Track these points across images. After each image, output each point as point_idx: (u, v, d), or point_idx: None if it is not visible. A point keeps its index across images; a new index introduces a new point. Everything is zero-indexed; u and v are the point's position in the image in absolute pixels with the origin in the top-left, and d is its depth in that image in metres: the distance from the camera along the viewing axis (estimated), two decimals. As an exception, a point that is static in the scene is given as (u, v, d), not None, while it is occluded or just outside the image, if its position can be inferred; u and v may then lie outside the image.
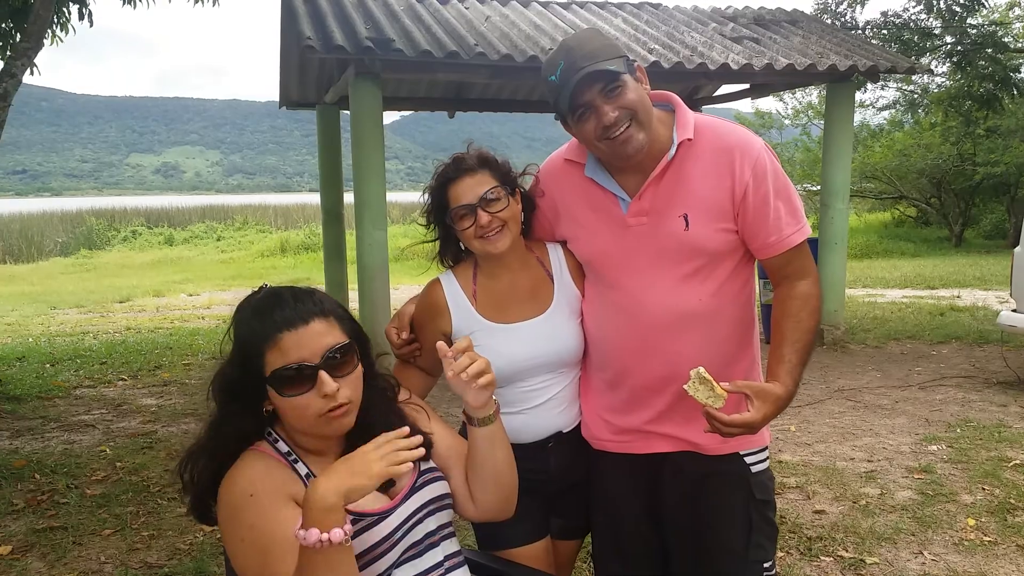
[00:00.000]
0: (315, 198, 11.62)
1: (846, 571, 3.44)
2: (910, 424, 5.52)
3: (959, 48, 11.04)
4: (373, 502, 1.57)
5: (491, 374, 1.63)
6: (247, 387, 1.53)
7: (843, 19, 11.37)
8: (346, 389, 1.53)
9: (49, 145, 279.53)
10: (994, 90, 11.01)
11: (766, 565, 2.01)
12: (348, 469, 1.37)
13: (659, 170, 1.88)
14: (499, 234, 1.94)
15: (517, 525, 2.01)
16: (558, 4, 8.59)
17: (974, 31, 11.26)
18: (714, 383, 1.73)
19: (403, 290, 10.52)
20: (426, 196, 2.03)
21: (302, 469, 1.55)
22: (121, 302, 12.97)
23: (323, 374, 1.49)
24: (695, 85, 9.86)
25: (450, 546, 1.68)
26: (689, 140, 1.88)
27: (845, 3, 11.45)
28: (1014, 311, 6.38)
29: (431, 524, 1.64)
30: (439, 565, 1.63)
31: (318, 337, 1.51)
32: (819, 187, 8.66)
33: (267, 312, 1.52)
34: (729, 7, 9.40)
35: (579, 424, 2.12)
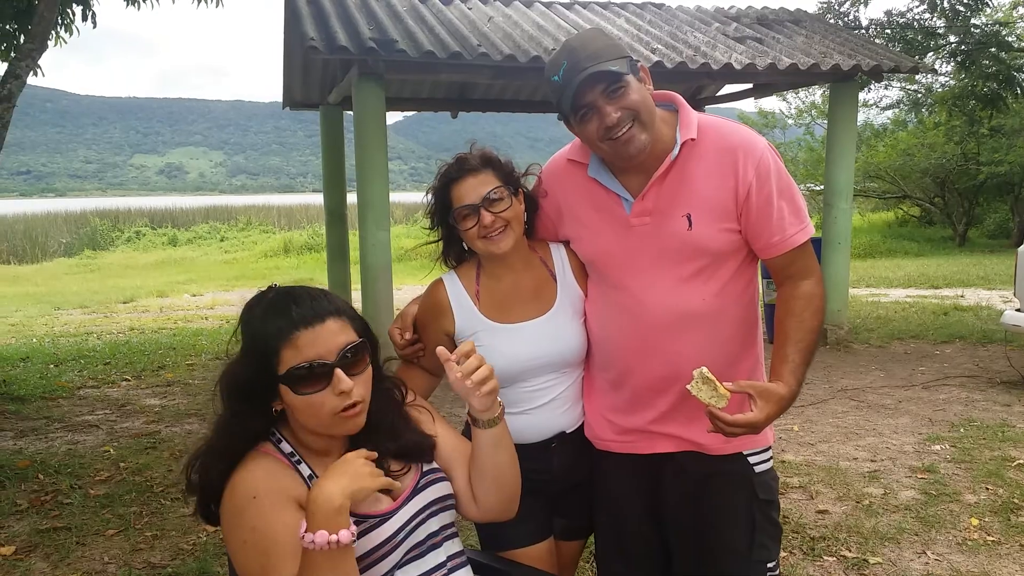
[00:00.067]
0: (318, 199, 11.63)
1: (849, 571, 3.43)
2: (913, 424, 5.51)
3: (963, 47, 11.02)
4: (376, 504, 1.57)
5: (495, 380, 1.63)
6: (259, 386, 1.53)
7: (846, 19, 11.34)
8: (359, 388, 1.54)
9: (53, 146, 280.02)
10: (998, 89, 10.99)
11: (770, 565, 2.01)
12: (351, 471, 1.39)
13: (662, 170, 1.88)
14: (502, 234, 1.94)
15: (520, 525, 2.01)
16: (561, 4, 8.59)
17: (978, 30, 11.23)
18: (717, 383, 1.73)
19: (406, 290, 10.53)
20: (429, 196, 2.04)
21: (305, 470, 1.55)
22: (125, 303, 12.99)
23: (339, 372, 1.50)
24: (698, 85, 9.85)
25: (453, 546, 1.68)
26: (692, 140, 1.88)
27: (848, 2, 11.42)
28: (1018, 310, 6.37)
29: (433, 525, 1.64)
30: (442, 565, 1.63)
31: (333, 336, 1.52)
32: (822, 187, 8.65)
33: (283, 310, 1.53)
34: (732, 7, 9.39)
35: (582, 424, 2.12)
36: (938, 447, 4.99)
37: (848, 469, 4.65)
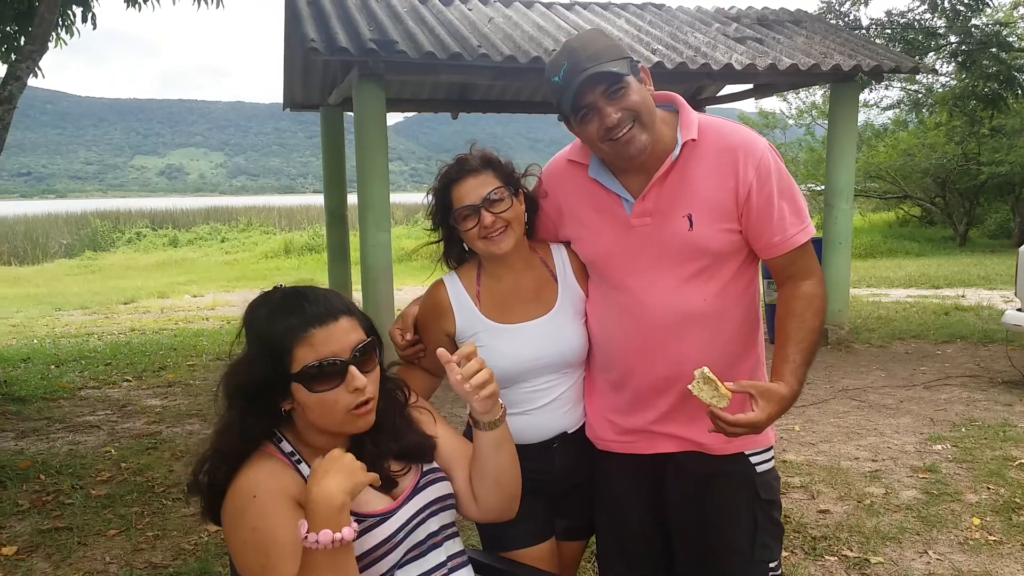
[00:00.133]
0: (319, 199, 11.63)
1: (851, 571, 3.43)
2: (915, 423, 5.51)
3: (963, 48, 11.01)
4: (376, 503, 1.57)
5: (494, 384, 1.64)
6: (270, 385, 1.52)
7: (847, 19, 11.35)
8: (370, 385, 1.55)
9: (54, 147, 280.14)
10: (999, 89, 10.99)
11: (772, 565, 2.01)
12: (345, 468, 1.39)
13: (663, 170, 1.88)
14: (503, 234, 1.94)
15: (522, 526, 2.02)
16: (561, 5, 8.59)
17: (978, 31, 11.23)
18: (718, 383, 1.73)
19: (406, 291, 10.53)
20: (429, 197, 2.04)
21: (305, 470, 1.55)
22: (126, 303, 13.00)
23: (353, 369, 1.51)
24: (699, 85, 9.85)
25: (453, 546, 1.68)
26: (693, 140, 1.88)
27: (849, 3, 11.42)
28: (1019, 310, 6.37)
29: (433, 525, 1.65)
30: (442, 565, 1.64)
31: (346, 333, 1.54)
32: (823, 187, 8.65)
33: (296, 308, 1.53)
34: (732, 7, 9.39)
35: (584, 424, 2.12)
36: (939, 447, 4.99)
37: (849, 469, 4.65)
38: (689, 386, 1.74)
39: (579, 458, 2.11)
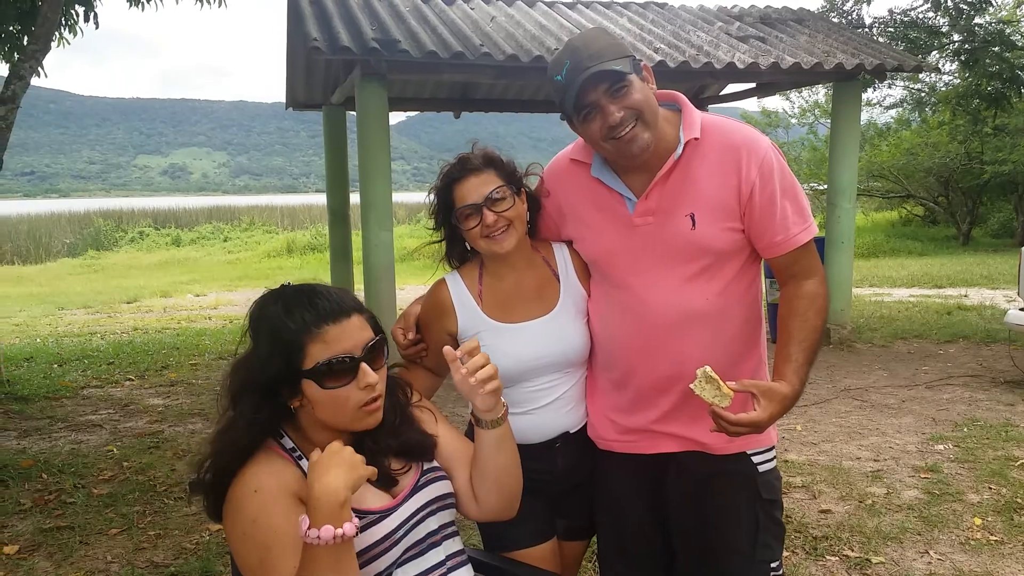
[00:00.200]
0: (321, 199, 11.63)
1: (852, 570, 3.43)
2: (917, 423, 5.51)
3: (967, 46, 10.99)
4: (375, 500, 1.57)
5: (498, 380, 1.64)
6: (280, 382, 1.52)
7: (849, 17, 11.33)
8: (380, 383, 1.56)
9: (57, 147, 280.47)
10: (1002, 88, 10.96)
11: (773, 565, 2.00)
12: (346, 462, 1.39)
13: (666, 169, 1.87)
14: (505, 234, 1.94)
15: (523, 526, 2.02)
16: (563, 4, 8.58)
17: (981, 29, 11.21)
18: (720, 382, 1.73)
19: (409, 290, 10.53)
20: (431, 196, 2.03)
21: (306, 466, 1.54)
22: (128, 303, 13.02)
23: (365, 366, 1.52)
24: (701, 84, 9.83)
25: (452, 545, 1.68)
26: (696, 139, 1.88)
27: (851, 1, 11.41)
28: (1021, 310, 6.36)
29: (432, 524, 1.65)
30: (441, 564, 1.63)
31: (358, 331, 1.54)
32: (826, 186, 8.64)
33: (309, 305, 1.53)
34: (735, 6, 9.38)
35: (586, 424, 2.12)
36: (941, 447, 4.98)
37: (851, 469, 4.64)
38: (691, 385, 1.74)
39: (581, 458, 2.10)
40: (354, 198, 8.16)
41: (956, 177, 20.02)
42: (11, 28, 7.32)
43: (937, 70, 12.75)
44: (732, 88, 9.90)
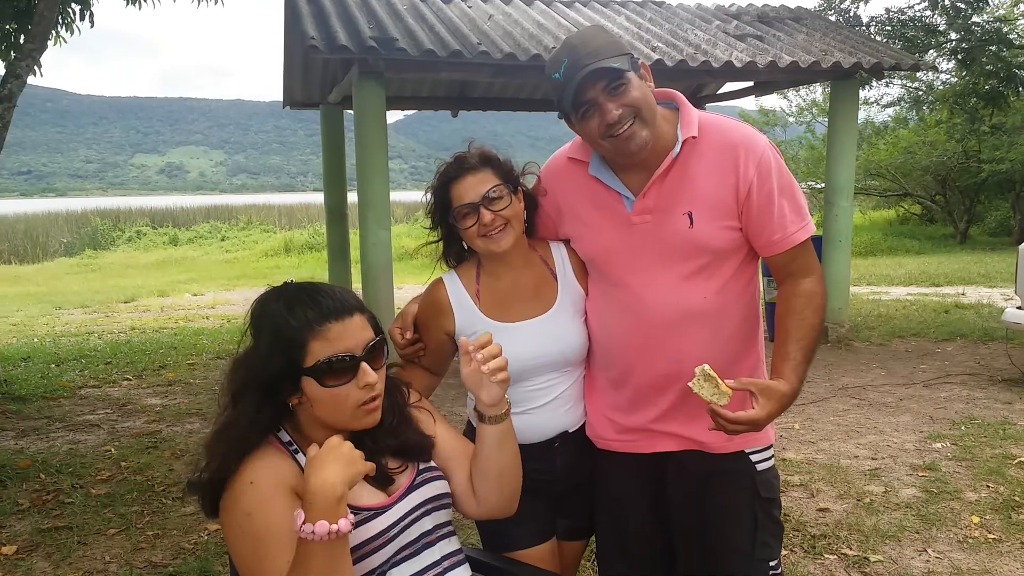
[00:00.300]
0: (319, 198, 11.63)
1: (850, 569, 3.43)
2: (914, 422, 5.51)
3: (964, 45, 11.00)
4: (370, 497, 1.57)
5: (507, 372, 1.66)
6: (281, 379, 1.52)
7: (847, 16, 11.33)
8: (379, 382, 1.56)
9: (54, 146, 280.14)
10: (999, 87, 10.97)
11: (772, 563, 2.00)
12: (344, 457, 1.38)
13: (663, 168, 1.87)
14: (502, 232, 1.93)
15: (523, 526, 2.02)
16: (561, 2, 8.58)
17: (979, 28, 11.21)
18: (719, 380, 1.73)
19: (407, 289, 10.53)
20: (428, 195, 2.03)
21: (303, 460, 1.54)
22: (126, 302, 13.00)
23: (365, 365, 1.52)
24: (699, 83, 9.84)
25: (449, 545, 1.68)
26: (693, 138, 1.88)
27: (849, 0, 11.41)
28: (1019, 308, 6.37)
29: (427, 523, 1.64)
30: (437, 564, 1.63)
31: (360, 330, 1.55)
32: (823, 185, 8.64)
33: (312, 302, 1.53)
34: (733, 4, 9.38)
35: (584, 424, 2.11)
36: (939, 445, 4.99)
37: (849, 467, 4.64)
38: (689, 384, 1.74)
39: (580, 457, 2.10)
40: (352, 197, 8.16)
41: (953, 176, 20.05)
42: (8, 27, 7.31)
43: (934, 69, 12.75)
44: (730, 87, 9.91)
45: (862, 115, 21.89)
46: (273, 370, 1.51)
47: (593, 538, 2.23)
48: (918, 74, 17.86)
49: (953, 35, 11.39)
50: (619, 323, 1.98)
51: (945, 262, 15.47)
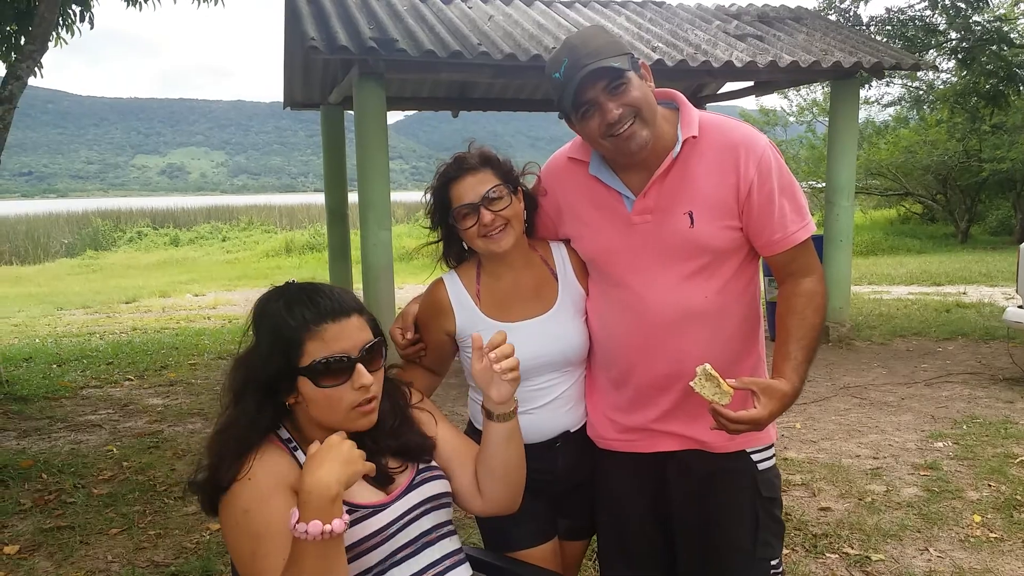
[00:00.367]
0: (320, 198, 11.64)
1: (852, 568, 3.43)
2: (916, 421, 5.51)
3: (964, 44, 10.99)
4: (368, 495, 1.57)
5: (518, 371, 1.66)
6: (277, 378, 1.52)
7: (847, 16, 11.33)
8: (375, 384, 1.56)
9: (55, 147, 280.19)
10: (1000, 86, 10.96)
11: (773, 563, 2.01)
12: (343, 456, 1.37)
13: (664, 167, 1.87)
14: (502, 233, 1.93)
15: (525, 526, 2.02)
16: (561, 3, 8.58)
17: (979, 27, 11.20)
18: (720, 380, 1.73)
19: (407, 289, 10.53)
20: (428, 196, 2.03)
21: (302, 457, 1.54)
22: (127, 303, 13.01)
23: (360, 367, 1.52)
24: (699, 83, 9.83)
25: (449, 544, 1.68)
26: (694, 138, 1.88)
27: (849, 0, 11.41)
28: (1020, 307, 6.37)
29: (426, 523, 1.64)
30: (437, 563, 1.63)
31: (357, 331, 1.55)
32: (824, 184, 8.64)
33: (310, 302, 1.54)
34: (733, 4, 9.38)
35: (585, 424, 2.12)
36: (940, 444, 4.98)
37: (850, 466, 4.64)
38: (691, 383, 1.74)
39: (581, 457, 2.10)
40: (352, 197, 8.16)
41: (954, 175, 20.04)
42: (8, 28, 7.31)
43: (935, 68, 12.73)
44: (730, 87, 9.90)
45: (863, 114, 21.86)
46: (271, 369, 1.52)
47: (594, 538, 2.23)
48: (918, 73, 17.85)
49: (953, 34, 11.38)
50: (620, 323, 1.98)
51: (946, 261, 15.46)
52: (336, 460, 1.36)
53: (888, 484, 4.35)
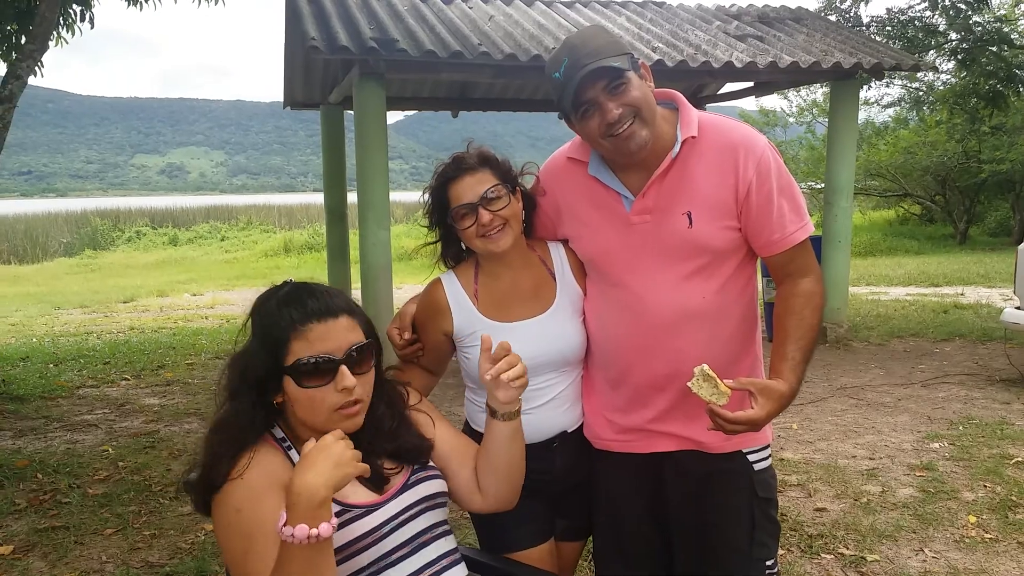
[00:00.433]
0: (319, 198, 11.63)
1: (847, 568, 3.43)
2: (912, 422, 5.51)
3: (964, 45, 11.00)
4: (362, 495, 1.57)
5: (525, 378, 1.67)
6: (265, 376, 1.53)
7: (847, 16, 11.33)
8: (361, 387, 1.55)
9: (54, 146, 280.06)
10: (999, 87, 10.97)
11: (768, 563, 2.01)
12: (334, 459, 1.36)
13: (663, 168, 1.87)
14: (501, 232, 1.93)
15: (522, 527, 2.02)
16: (561, 3, 8.58)
17: (979, 28, 11.21)
18: (718, 380, 1.73)
19: (406, 289, 10.53)
20: (427, 196, 2.03)
21: (295, 456, 1.54)
22: (125, 302, 12.99)
23: (344, 368, 1.51)
24: (699, 83, 9.83)
25: (445, 544, 1.67)
26: (693, 138, 1.88)
27: (849, 0, 11.41)
28: (1018, 308, 6.37)
29: (422, 523, 1.64)
30: (433, 563, 1.63)
31: (344, 333, 1.54)
32: (823, 185, 8.64)
33: (298, 302, 1.54)
34: (733, 5, 9.38)
35: (583, 424, 2.11)
36: (937, 445, 4.98)
37: (846, 467, 4.64)
38: (689, 384, 1.74)
39: (579, 457, 2.10)
40: (352, 197, 8.15)
41: (953, 176, 20.04)
42: (9, 28, 7.31)
43: (935, 69, 12.74)
44: (730, 87, 9.91)
45: (862, 115, 21.90)
46: (259, 368, 1.52)
47: (591, 538, 2.23)
48: (918, 74, 17.86)
49: (953, 35, 11.39)
50: (618, 323, 1.98)
51: (944, 262, 15.46)
52: (327, 462, 1.35)
53: (884, 485, 4.35)
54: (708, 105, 10.21)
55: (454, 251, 2.09)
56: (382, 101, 6.84)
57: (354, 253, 8.91)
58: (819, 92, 22.21)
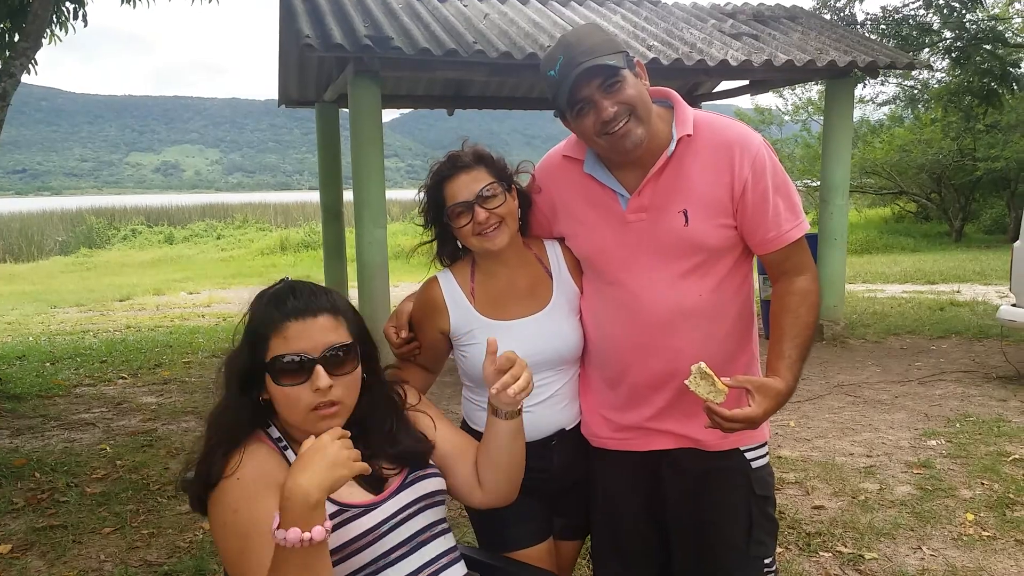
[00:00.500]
0: (315, 196, 11.63)
1: (845, 566, 3.44)
2: (909, 419, 5.52)
3: (958, 43, 11.02)
4: (359, 495, 1.56)
5: (531, 386, 1.66)
6: (249, 372, 1.54)
7: (842, 15, 11.35)
8: (340, 389, 1.53)
9: (49, 144, 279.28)
10: (994, 85, 11.00)
11: (767, 561, 2.01)
12: (329, 460, 1.34)
13: (658, 166, 1.87)
14: (496, 230, 1.93)
15: (522, 526, 2.02)
16: (557, 1, 8.57)
17: (973, 26, 11.24)
18: (715, 378, 1.73)
19: (403, 287, 10.52)
20: (422, 194, 2.03)
21: (292, 456, 1.54)
22: (121, 300, 12.97)
23: (319, 368, 1.50)
24: (694, 82, 9.84)
25: (444, 543, 1.67)
26: (688, 136, 1.88)
27: (844, -1, 11.44)
28: (1014, 305, 6.38)
29: (420, 522, 1.63)
30: (432, 562, 1.62)
31: (323, 332, 1.53)
32: (819, 183, 8.66)
33: (281, 300, 1.55)
34: (728, 3, 9.38)
35: (580, 422, 2.12)
36: (934, 442, 5.00)
37: (844, 465, 4.65)
38: (686, 382, 1.74)
39: (576, 456, 2.10)
40: (348, 195, 8.15)
41: (949, 174, 20.08)
42: (2, 25, 7.28)
43: (929, 67, 12.80)
44: (725, 85, 9.91)
45: (857, 113, 21.94)
46: (244, 364, 1.54)
47: (589, 537, 2.23)
48: (913, 72, 17.89)
49: (948, 33, 11.41)
50: (614, 321, 1.98)
51: (940, 260, 15.50)
52: (322, 463, 1.32)
53: (881, 482, 4.36)
54: (703, 103, 10.23)
55: (450, 249, 2.09)
56: (377, 99, 6.84)
57: (350, 251, 8.90)
58: (814, 90, 22.25)
